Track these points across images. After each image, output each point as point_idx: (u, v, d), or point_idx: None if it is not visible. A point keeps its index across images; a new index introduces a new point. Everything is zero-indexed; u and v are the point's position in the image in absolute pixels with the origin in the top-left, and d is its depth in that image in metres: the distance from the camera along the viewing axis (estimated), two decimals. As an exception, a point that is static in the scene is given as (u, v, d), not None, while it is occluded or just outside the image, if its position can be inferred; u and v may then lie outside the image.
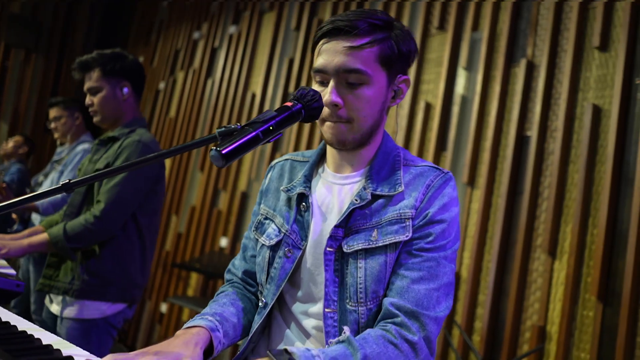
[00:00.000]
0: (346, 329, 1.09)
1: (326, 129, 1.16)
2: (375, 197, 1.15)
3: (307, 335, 1.16)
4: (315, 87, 1.16)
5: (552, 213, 2.48)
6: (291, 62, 4.11)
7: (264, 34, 4.46)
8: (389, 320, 1.07)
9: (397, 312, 1.05)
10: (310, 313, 1.16)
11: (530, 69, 2.73)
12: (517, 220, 2.60)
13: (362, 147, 1.19)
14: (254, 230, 1.28)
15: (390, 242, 1.10)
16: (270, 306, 1.18)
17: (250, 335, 1.20)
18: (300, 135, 3.87)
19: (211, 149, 0.92)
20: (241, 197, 4.17)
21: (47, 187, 3.67)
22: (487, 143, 2.80)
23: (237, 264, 1.33)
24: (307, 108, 1.04)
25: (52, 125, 3.80)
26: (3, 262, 1.82)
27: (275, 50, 4.28)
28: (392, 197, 1.14)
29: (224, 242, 4.17)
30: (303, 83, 3.94)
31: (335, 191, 1.20)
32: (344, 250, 1.12)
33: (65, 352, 1.00)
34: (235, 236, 4.11)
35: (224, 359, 3.68)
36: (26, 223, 3.76)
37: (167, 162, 4.81)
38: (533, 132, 2.64)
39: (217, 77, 4.73)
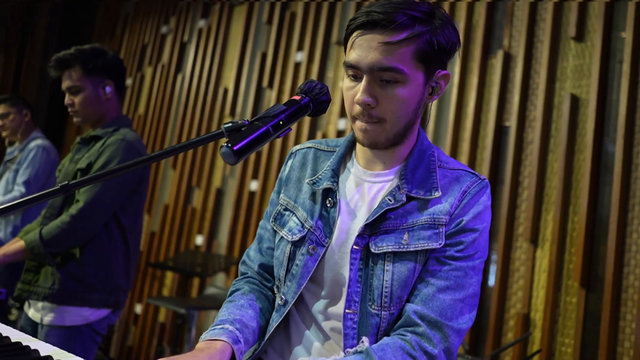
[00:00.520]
0: (365, 339, 1.06)
1: (357, 128, 1.10)
2: (409, 199, 1.10)
3: (326, 337, 1.12)
4: (346, 81, 1.10)
5: (533, 202, 2.51)
6: (264, 56, 4.06)
7: (234, 27, 4.39)
8: (410, 329, 1.04)
9: (419, 321, 1.03)
10: (330, 314, 1.12)
11: (507, 59, 2.75)
12: (498, 210, 2.63)
13: (396, 146, 1.13)
14: (272, 221, 1.22)
15: (423, 248, 1.07)
16: (290, 305, 1.14)
17: (268, 334, 1.15)
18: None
19: (222, 146, 0.88)
20: (216, 193, 4.11)
21: (2, 188, 3.56)
22: (467, 134, 2.82)
23: (252, 256, 1.26)
24: (315, 101, 1.01)
25: (0, 122, 3.69)
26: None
27: (247, 44, 4.22)
28: (429, 201, 1.10)
29: (199, 240, 4.11)
30: (277, 77, 3.90)
31: (365, 188, 1.15)
32: (372, 250, 1.08)
33: (68, 363, 0.95)
34: (211, 234, 4.05)
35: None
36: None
37: (138, 160, 4.69)
38: (512, 122, 2.66)
39: (187, 72, 4.64)
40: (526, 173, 2.59)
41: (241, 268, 1.28)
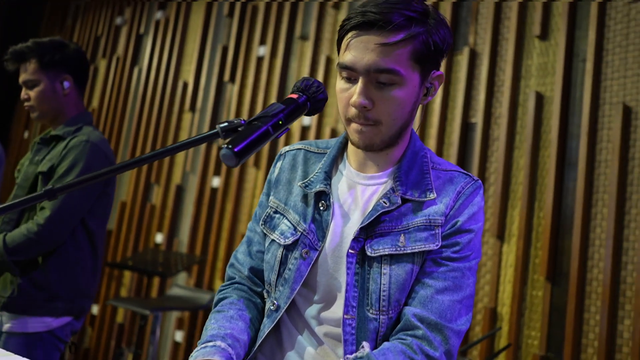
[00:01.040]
0: (365, 344, 1.04)
1: (352, 130, 1.07)
2: (403, 201, 1.09)
3: (319, 342, 1.10)
4: (340, 83, 1.07)
5: (499, 197, 2.55)
6: (225, 49, 3.98)
7: (193, 20, 4.28)
8: (410, 333, 1.02)
9: (419, 324, 1.01)
10: (324, 318, 1.09)
11: (473, 57, 2.78)
12: (465, 206, 2.65)
13: (390, 148, 1.11)
14: (262, 224, 1.19)
15: (420, 250, 1.05)
16: (283, 310, 1.11)
17: (259, 341, 1.12)
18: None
19: (222, 148, 0.83)
20: (176, 190, 4.01)
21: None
22: (433, 130, 2.84)
23: (241, 259, 1.22)
24: (312, 100, 0.97)
25: None
26: None
27: (207, 37, 4.13)
28: (424, 202, 1.09)
29: (159, 238, 4.00)
30: (239, 71, 3.83)
31: (358, 191, 1.13)
32: (368, 253, 1.06)
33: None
34: (171, 231, 3.95)
35: None
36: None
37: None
38: (478, 119, 2.70)
39: (144, 65, 4.50)
40: (492, 169, 2.63)
41: (229, 272, 1.23)
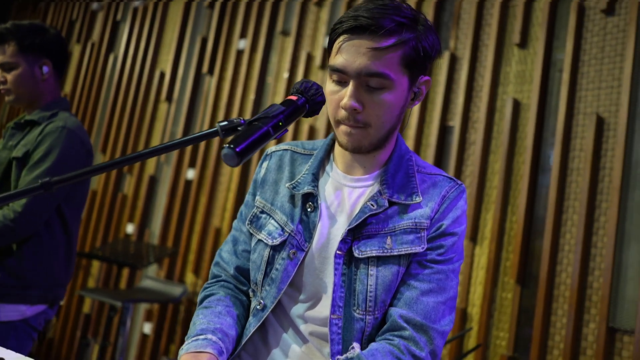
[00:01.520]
0: (356, 345, 1.06)
1: (341, 132, 1.09)
2: (390, 204, 1.11)
3: (304, 340, 1.11)
4: (331, 85, 1.08)
5: (474, 200, 2.60)
6: (204, 41, 3.94)
7: (173, 9, 4.23)
8: (396, 334, 1.04)
9: (405, 325, 1.04)
10: (309, 318, 1.11)
11: (453, 61, 2.83)
12: (440, 208, 2.70)
13: (377, 150, 1.14)
14: (248, 224, 1.19)
15: (406, 252, 1.08)
16: (270, 309, 1.12)
17: (245, 339, 1.13)
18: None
19: (224, 147, 0.84)
20: (149, 181, 3.96)
21: None
22: (411, 131, 2.87)
23: (227, 258, 1.22)
24: (311, 102, 0.99)
25: None
26: None
27: (186, 27, 4.08)
28: (409, 205, 1.11)
29: (130, 228, 3.95)
30: (218, 64, 3.80)
31: (345, 193, 1.15)
32: (355, 255, 1.08)
33: None
34: (142, 222, 3.91)
35: None
36: None
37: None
38: (456, 123, 2.74)
39: (120, 52, 4.43)
40: (468, 172, 2.68)
41: (214, 270, 1.24)
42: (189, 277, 3.56)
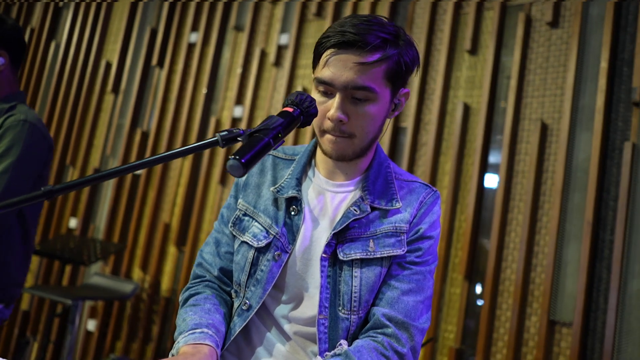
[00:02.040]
0: (343, 342, 1.11)
1: (326, 141, 1.14)
2: (372, 209, 1.17)
3: (287, 338, 1.16)
4: (316, 95, 1.13)
5: (425, 200, 2.71)
6: (154, 32, 3.86)
7: (119, -3, 4.12)
8: (379, 331, 1.10)
9: (388, 322, 1.10)
10: (293, 318, 1.15)
11: (407, 64, 2.91)
12: (392, 206, 2.79)
13: (359, 158, 1.19)
14: (231, 226, 1.23)
15: (388, 254, 1.14)
16: (255, 309, 1.15)
17: (232, 338, 1.16)
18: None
19: (229, 159, 0.87)
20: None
21: None
22: (365, 131, 2.94)
23: (210, 260, 1.25)
24: (305, 114, 1.02)
25: None
26: None
27: (134, 17, 3.98)
28: (389, 211, 1.17)
29: (73, 223, 3.84)
30: (168, 56, 3.74)
31: (327, 198, 1.20)
32: (340, 257, 1.13)
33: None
34: (86, 216, 3.80)
35: None
36: None
37: None
38: (408, 124, 2.84)
39: (62, 40, 4.26)
40: (419, 172, 2.78)
41: (197, 271, 1.26)
42: (136, 273, 3.51)
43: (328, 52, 1.11)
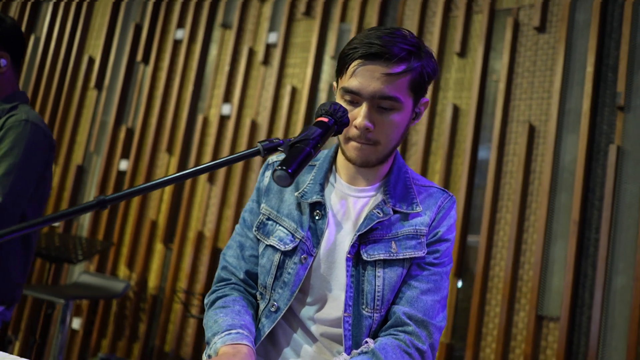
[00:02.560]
0: (370, 340, 1.15)
1: (351, 148, 1.18)
2: (394, 212, 1.22)
3: (314, 340, 1.20)
4: (342, 103, 1.17)
5: (415, 199, 2.77)
6: (138, 27, 3.83)
7: (102, -8, 4.06)
8: (400, 329, 1.15)
9: (408, 321, 1.15)
10: (318, 319, 1.19)
11: (396, 65, 2.97)
12: (383, 204, 2.85)
13: (380, 164, 1.24)
14: (255, 231, 1.26)
15: (410, 256, 1.19)
16: (284, 311, 1.19)
17: (261, 340, 1.19)
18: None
19: (276, 170, 0.91)
20: (77, 171, 3.81)
21: None
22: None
23: (234, 263, 1.28)
24: (338, 124, 1.06)
25: None
26: None
27: (118, 12, 3.94)
28: (409, 214, 1.22)
29: (55, 220, 3.78)
30: (154, 53, 3.72)
31: (350, 203, 1.24)
32: (364, 258, 1.18)
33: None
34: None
35: None
36: None
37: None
38: (399, 124, 2.89)
39: (42, 34, 4.18)
40: (409, 172, 2.84)
41: (222, 274, 1.28)
42: (123, 271, 3.49)
43: (355, 62, 1.15)
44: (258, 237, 1.26)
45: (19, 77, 1.94)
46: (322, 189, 1.24)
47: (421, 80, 1.18)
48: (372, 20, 3.07)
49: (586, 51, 2.51)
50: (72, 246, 3.45)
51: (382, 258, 1.18)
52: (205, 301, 1.26)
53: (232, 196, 3.26)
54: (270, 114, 3.28)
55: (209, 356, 1.09)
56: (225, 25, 3.57)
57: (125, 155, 3.68)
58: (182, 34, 3.67)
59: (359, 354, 1.12)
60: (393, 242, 1.20)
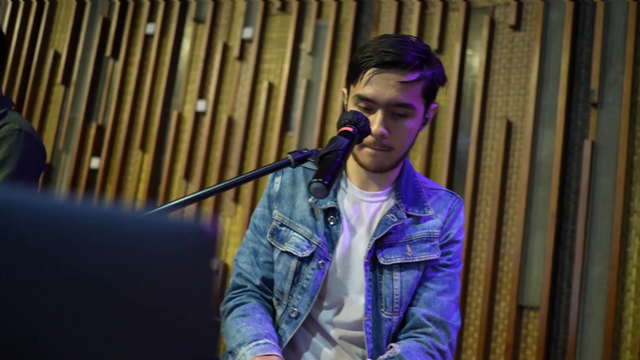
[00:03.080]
0: (395, 345, 1.18)
1: (365, 154, 1.20)
2: (407, 216, 1.25)
3: (333, 343, 1.22)
4: (355, 110, 1.18)
5: (396, 193, 2.82)
6: (106, 22, 3.74)
7: (66, -16, 3.94)
8: (420, 331, 1.19)
9: (428, 322, 1.19)
10: (337, 323, 1.22)
11: (374, 61, 3.00)
12: (364, 200, 2.89)
13: (392, 169, 1.27)
14: (269, 237, 1.27)
15: (425, 259, 1.23)
16: (304, 317, 1.20)
17: (283, 346, 1.20)
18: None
19: (313, 182, 0.92)
20: (45, 169, 3.70)
21: None
22: (334, 127, 3.01)
23: (249, 270, 1.29)
24: (361, 133, 1.08)
25: None
26: None
27: (84, 6, 3.83)
28: (420, 217, 1.26)
29: (23, 220, 3.67)
30: (123, 47, 3.63)
31: (363, 207, 1.27)
32: (381, 262, 1.21)
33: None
34: (38, 214, 3.65)
35: None
36: None
37: None
38: (378, 120, 2.93)
39: (3, 26, 4.03)
40: (389, 167, 2.89)
41: (237, 281, 1.29)
42: (97, 271, 3.42)
43: (370, 70, 1.17)
44: (272, 243, 1.27)
45: (1, 82, 1.88)
46: (335, 195, 1.26)
47: (432, 87, 1.22)
48: (348, 16, 3.09)
49: (560, 49, 2.60)
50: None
51: (398, 262, 1.22)
52: (221, 309, 1.26)
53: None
54: (247, 110, 3.26)
55: None
56: (198, 20, 3.52)
57: (96, 153, 3.60)
58: (152, 28, 3.60)
59: (386, 359, 1.15)
60: (408, 246, 1.23)
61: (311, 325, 1.24)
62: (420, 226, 1.26)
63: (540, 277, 2.48)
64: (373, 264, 1.22)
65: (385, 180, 1.29)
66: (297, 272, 1.23)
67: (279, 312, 1.25)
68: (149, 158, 3.45)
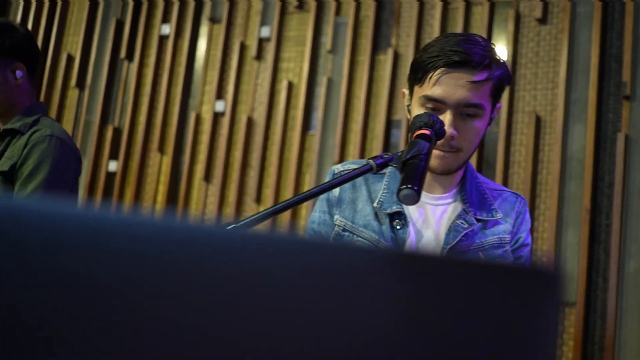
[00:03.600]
0: None
1: (433, 156, 1.16)
2: (476, 221, 1.23)
3: None
4: (420, 111, 1.16)
5: (423, 191, 2.80)
6: (120, 23, 3.70)
7: (77, -14, 3.89)
8: None
9: None
10: None
11: (396, 58, 2.97)
12: (390, 198, 2.86)
13: (457, 171, 1.25)
14: None
15: None
16: None
17: None
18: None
19: (402, 189, 0.89)
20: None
21: None
22: (357, 125, 2.99)
23: None
24: (438, 135, 1.06)
25: None
26: None
27: (97, 7, 3.79)
28: (488, 221, 1.23)
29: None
30: (138, 49, 3.60)
31: (429, 211, 1.24)
32: None
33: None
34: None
35: None
36: None
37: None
38: (402, 117, 2.90)
39: (14, 31, 3.98)
40: (415, 164, 2.86)
41: None
42: (119, 275, 3.39)
43: (439, 71, 1.15)
44: None
45: (34, 89, 1.85)
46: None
47: (500, 86, 1.20)
48: (368, 13, 3.06)
49: (588, 42, 2.57)
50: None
51: None
52: None
53: (230, 195, 3.21)
54: (267, 109, 3.23)
55: None
56: (214, 20, 3.48)
57: (113, 156, 3.56)
58: (167, 29, 3.57)
59: None
60: (480, 253, 1.21)
61: None
62: (490, 231, 1.23)
63: (575, 272, 2.46)
64: None
65: (450, 182, 1.26)
66: None
67: None
68: (167, 160, 3.42)
